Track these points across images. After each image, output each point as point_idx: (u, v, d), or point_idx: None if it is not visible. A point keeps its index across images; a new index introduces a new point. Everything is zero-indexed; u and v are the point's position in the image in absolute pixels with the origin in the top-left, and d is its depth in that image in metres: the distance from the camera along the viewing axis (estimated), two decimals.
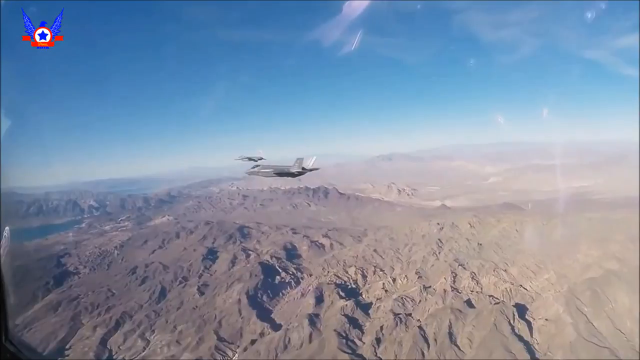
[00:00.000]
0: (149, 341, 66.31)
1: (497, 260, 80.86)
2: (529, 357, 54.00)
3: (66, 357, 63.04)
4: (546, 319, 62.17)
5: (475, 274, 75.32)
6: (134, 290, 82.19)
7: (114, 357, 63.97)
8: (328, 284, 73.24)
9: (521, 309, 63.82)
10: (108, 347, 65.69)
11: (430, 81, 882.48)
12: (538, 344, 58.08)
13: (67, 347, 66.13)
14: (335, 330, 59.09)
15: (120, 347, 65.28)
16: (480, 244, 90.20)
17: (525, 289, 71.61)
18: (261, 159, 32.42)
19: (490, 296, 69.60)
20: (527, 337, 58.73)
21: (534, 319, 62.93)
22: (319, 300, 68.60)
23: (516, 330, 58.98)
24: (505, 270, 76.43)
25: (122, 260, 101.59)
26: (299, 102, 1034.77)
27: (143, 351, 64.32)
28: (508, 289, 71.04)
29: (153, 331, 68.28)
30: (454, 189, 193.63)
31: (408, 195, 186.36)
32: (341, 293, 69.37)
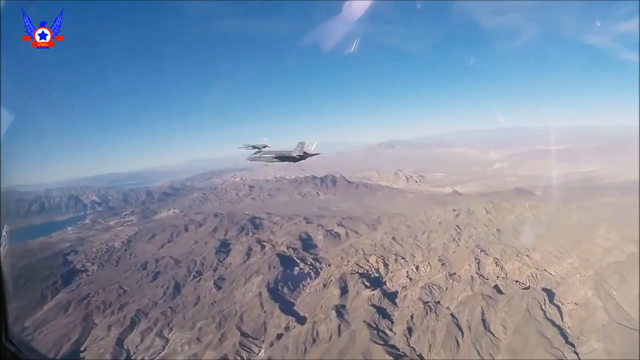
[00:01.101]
0: (167, 339, 63.67)
1: (518, 246, 79.46)
2: (563, 342, 53.09)
3: None
4: (575, 303, 61.06)
5: (498, 260, 73.80)
6: (146, 287, 79.30)
7: (133, 357, 61.30)
8: (351, 273, 70.94)
9: (549, 294, 62.62)
10: (125, 347, 62.96)
11: (429, 69, 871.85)
12: (570, 328, 57.00)
13: (82, 349, 63.38)
14: (364, 321, 57.03)
15: (138, 347, 62.57)
16: (499, 230, 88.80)
17: (550, 274, 70.38)
18: (265, 146, 31.24)
19: (516, 281, 68.42)
20: (558, 321, 57.74)
21: (562, 304, 61.78)
22: (344, 290, 66.36)
23: (548, 315, 57.86)
24: (527, 256, 75.00)
25: (130, 255, 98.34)
26: (299, 92, 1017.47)
27: (163, 350, 61.71)
28: (533, 274, 69.83)
29: (171, 329, 65.63)
30: (461, 175, 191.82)
31: (416, 182, 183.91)
32: (366, 283, 67.27)
